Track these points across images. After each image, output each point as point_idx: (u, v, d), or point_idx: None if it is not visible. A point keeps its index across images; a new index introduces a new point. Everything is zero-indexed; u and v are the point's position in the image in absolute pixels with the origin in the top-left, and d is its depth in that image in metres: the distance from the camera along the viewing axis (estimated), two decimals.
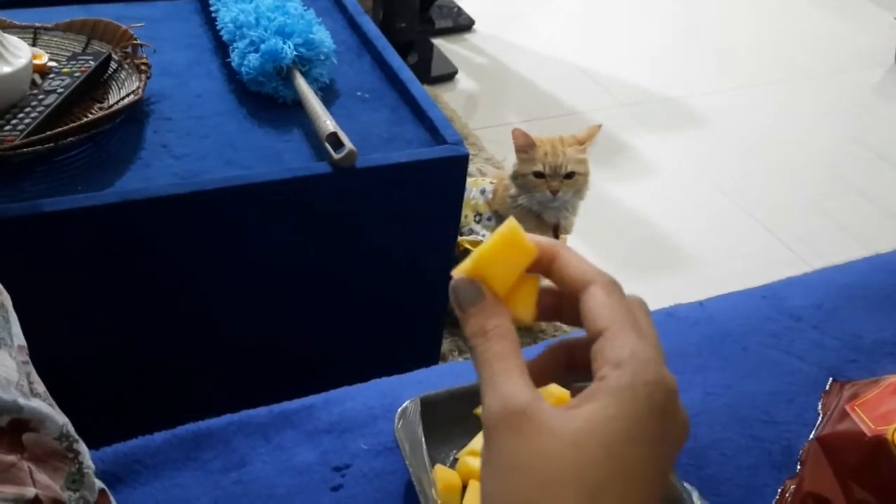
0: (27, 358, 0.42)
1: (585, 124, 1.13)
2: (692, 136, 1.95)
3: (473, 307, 0.32)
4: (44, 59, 0.91)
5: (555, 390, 0.41)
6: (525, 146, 1.06)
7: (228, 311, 0.92)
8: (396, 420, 0.52)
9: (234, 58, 0.96)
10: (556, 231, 1.10)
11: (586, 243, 1.48)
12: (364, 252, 0.95)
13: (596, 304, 0.32)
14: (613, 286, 0.33)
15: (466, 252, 1.13)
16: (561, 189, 1.06)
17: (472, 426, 0.56)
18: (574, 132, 1.13)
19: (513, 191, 1.10)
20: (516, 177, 1.08)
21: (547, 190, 1.06)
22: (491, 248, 0.32)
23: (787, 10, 2.69)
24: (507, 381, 0.31)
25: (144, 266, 0.84)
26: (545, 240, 0.33)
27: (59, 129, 0.79)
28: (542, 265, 0.34)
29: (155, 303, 0.87)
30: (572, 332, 0.76)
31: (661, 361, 0.31)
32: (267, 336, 0.97)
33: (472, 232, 1.13)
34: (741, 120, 2.04)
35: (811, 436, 0.57)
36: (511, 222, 0.31)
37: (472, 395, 0.57)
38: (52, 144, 0.79)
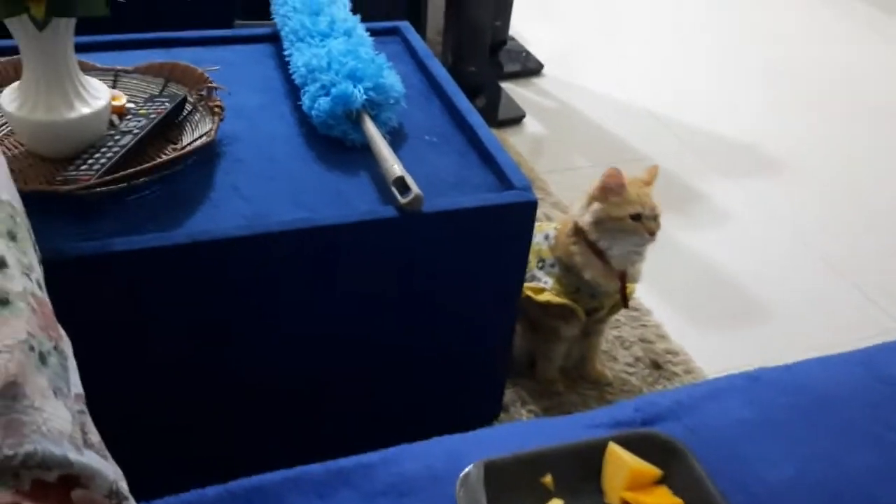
0: (84, 407, 0.41)
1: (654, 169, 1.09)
2: (768, 182, 1.88)
3: None
4: (122, 100, 0.93)
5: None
6: (618, 187, 1.01)
7: (288, 355, 0.91)
8: (458, 487, 0.49)
9: (306, 101, 0.97)
10: (622, 278, 1.06)
11: (658, 293, 1.42)
12: (428, 297, 0.93)
13: None
14: None
15: (528, 300, 1.10)
16: (657, 230, 1.02)
17: (539, 495, 0.52)
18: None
19: (597, 238, 1.02)
20: (603, 221, 1.02)
21: (646, 232, 1.01)
22: None
23: (871, 53, 2.59)
24: None
25: (210, 308, 0.83)
26: None
27: (132, 170, 0.80)
28: None
29: (218, 345, 0.86)
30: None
31: None
32: (325, 381, 0.95)
33: (534, 278, 1.10)
34: (822, 165, 1.95)
35: None
36: None
37: (538, 461, 0.53)
38: (125, 184, 0.80)
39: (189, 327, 0.84)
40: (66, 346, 0.42)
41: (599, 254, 1.04)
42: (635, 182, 1.04)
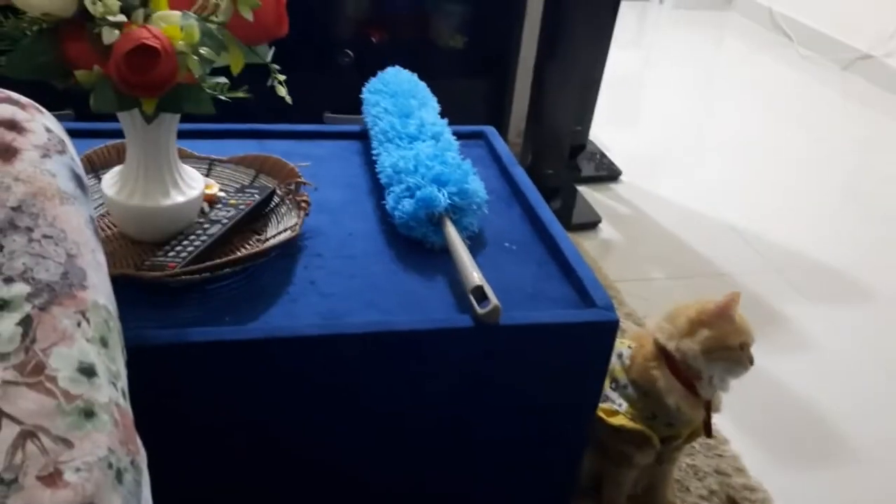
0: None
1: (735, 288, 1.04)
2: (859, 311, 1.79)
3: None
4: (214, 189, 0.95)
5: None
6: (733, 314, 0.97)
7: (349, 458, 0.89)
8: None
9: (389, 201, 0.97)
10: (708, 407, 1.01)
11: (736, 422, 1.34)
12: (496, 411, 0.90)
13: None
14: None
15: (600, 422, 1.05)
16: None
17: None
18: (721, 295, 1.05)
19: (701, 366, 0.97)
20: (714, 350, 0.96)
21: (748, 362, 0.97)
22: None
23: None
24: None
25: (281, 404, 0.82)
26: None
27: (218, 261, 0.81)
28: None
29: (288, 443, 0.85)
30: None
31: None
32: (383, 484, 0.92)
33: (606, 399, 1.05)
34: None
35: None
36: None
37: None
38: (208, 274, 0.81)
39: (260, 421, 0.83)
40: (142, 460, 0.41)
41: (685, 380, 0.99)
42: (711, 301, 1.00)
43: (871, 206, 2.30)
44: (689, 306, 1.00)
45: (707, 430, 1.02)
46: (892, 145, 2.73)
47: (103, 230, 0.90)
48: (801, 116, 2.91)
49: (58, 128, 0.50)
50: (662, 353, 1.00)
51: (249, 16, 0.72)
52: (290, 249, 0.91)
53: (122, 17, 0.68)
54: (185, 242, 0.85)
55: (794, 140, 2.70)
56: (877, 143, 2.74)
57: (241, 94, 0.75)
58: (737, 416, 1.36)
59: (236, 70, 0.77)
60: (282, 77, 0.80)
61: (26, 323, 0.38)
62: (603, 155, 2.30)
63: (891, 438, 1.40)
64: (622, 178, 2.24)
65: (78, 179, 0.48)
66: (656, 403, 1.00)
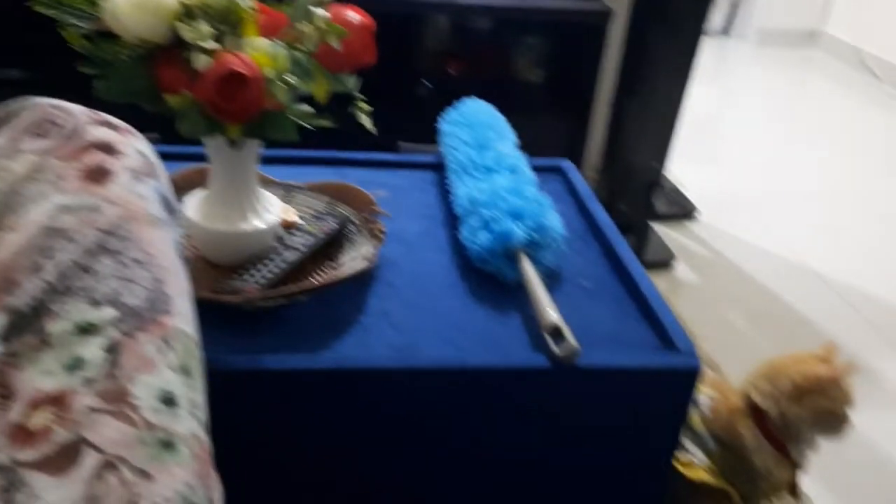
0: None
1: (819, 336, 0.98)
2: None
3: None
4: (292, 215, 0.96)
5: None
6: (845, 381, 0.92)
7: (416, 490, 0.86)
8: None
9: (465, 233, 0.96)
10: (796, 467, 0.94)
11: (821, 482, 1.26)
12: (568, 455, 0.86)
13: None
14: None
15: (675, 474, 1.00)
16: None
17: None
18: (804, 345, 0.98)
19: (805, 433, 0.91)
20: (827, 419, 0.91)
21: (848, 426, 0.92)
22: None
23: None
24: None
25: (351, 433, 0.81)
26: None
27: (294, 289, 0.80)
28: None
29: (357, 473, 0.83)
30: None
31: None
32: None
33: (682, 449, 1.00)
34: None
35: None
36: None
37: None
38: (283, 301, 0.81)
39: (329, 449, 0.81)
40: (217, 494, 0.39)
41: (775, 440, 0.93)
42: (813, 360, 0.94)
43: None
44: (788, 366, 0.94)
45: (794, 491, 0.96)
46: None
47: (186, 252, 0.91)
48: (885, 157, 2.78)
49: (150, 151, 0.51)
50: (752, 411, 0.94)
51: (338, 45, 0.72)
52: (363, 278, 0.91)
53: (214, 44, 0.69)
54: (262, 268, 0.85)
55: (878, 182, 2.58)
56: None
57: (325, 123, 0.75)
58: (823, 476, 1.27)
59: (321, 98, 0.77)
60: (368, 108, 0.80)
61: (112, 348, 0.37)
62: (678, 192, 2.24)
63: None
64: (698, 216, 2.18)
65: (167, 204, 0.48)
66: (740, 460, 0.94)
